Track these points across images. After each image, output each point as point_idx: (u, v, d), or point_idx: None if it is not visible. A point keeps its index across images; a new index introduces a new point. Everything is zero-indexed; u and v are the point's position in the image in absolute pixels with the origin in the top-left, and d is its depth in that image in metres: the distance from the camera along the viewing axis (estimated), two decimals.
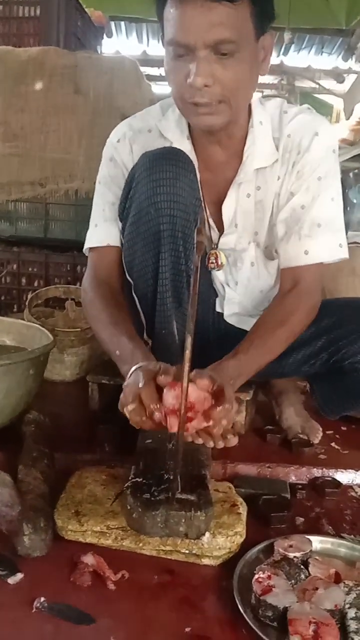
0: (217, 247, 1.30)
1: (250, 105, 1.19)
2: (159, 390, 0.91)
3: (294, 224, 1.19)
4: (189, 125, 1.20)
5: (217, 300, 1.38)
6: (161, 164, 1.13)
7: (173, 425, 0.90)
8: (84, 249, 1.32)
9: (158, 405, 0.89)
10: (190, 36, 1.00)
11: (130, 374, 0.98)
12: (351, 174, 5.82)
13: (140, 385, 0.91)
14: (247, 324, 1.35)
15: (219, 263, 1.30)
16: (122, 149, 1.25)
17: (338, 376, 1.32)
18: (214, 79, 1.03)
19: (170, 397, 0.90)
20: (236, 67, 1.03)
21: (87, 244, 1.30)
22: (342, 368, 1.29)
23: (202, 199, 1.23)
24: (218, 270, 1.32)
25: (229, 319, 1.37)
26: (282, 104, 1.23)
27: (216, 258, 1.30)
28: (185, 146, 1.20)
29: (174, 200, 1.13)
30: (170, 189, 1.13)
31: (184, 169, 1.14)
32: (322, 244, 1.18)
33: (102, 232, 1.27)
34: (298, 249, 1.18)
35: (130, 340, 1.07)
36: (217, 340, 1.38)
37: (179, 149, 1.17)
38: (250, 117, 1.19)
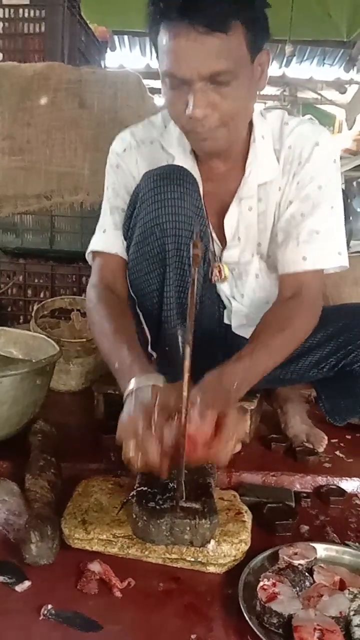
0: (220, 260, 1.31)
1: (251, 119, 1.19)
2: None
3: (292, 230, 1.19)
4: (191, 144, 1.21)
5: (225, 313, 1.39)
6: (165, 184, 1.13)
7: (165, 473, 0.91)
8: (87, 252, 1.31)
9: (155, 447, 0.87)
10: (184, 70, 0.99)
11: (127, 396, 0.96)
12: (354, 183, 5.85)
13: (139, 425, 0.88)
14: None
15: (223, 276, 1.31)
16: (128, 159, 1.26)
17: (346, 380, 1.32)
18: (212, 109, 1.03)
19: (166, 436, 0.89)
20: (233, 94, 1.03)
21: (93, 247, 1.29)
22: (351, 372, 1.30)
23: (205, 213, 1.24)
24: (222, 282, 1.33)
25: (237, 330, 1.37)
26: (283, 116, 1.23)
27: (219, 271, 1.30)
28: (188, 161, 1.22)
29: (179, 220, 1.14)
30: (175, 209, 1.13)
31: (187, 189, 1.15)
32: (320, 251, 1.17)
33: (111, 239, 1.26)
34: (296, 255, 1.18)
35: (129, 352, 1.04)
36: (226, 352, 1.38)
37: (182, 167, 1.18)
38: (251, 131, 1.19)
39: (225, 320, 1.39)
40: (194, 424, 0.88)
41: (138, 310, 1.27)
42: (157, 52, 1.06)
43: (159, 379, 0.98)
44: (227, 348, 1.38)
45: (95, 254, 1.30)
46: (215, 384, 0.97)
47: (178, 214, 1.14)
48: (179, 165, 1.19)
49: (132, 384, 0.97)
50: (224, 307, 1.39)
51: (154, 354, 1.30)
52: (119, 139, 1.30)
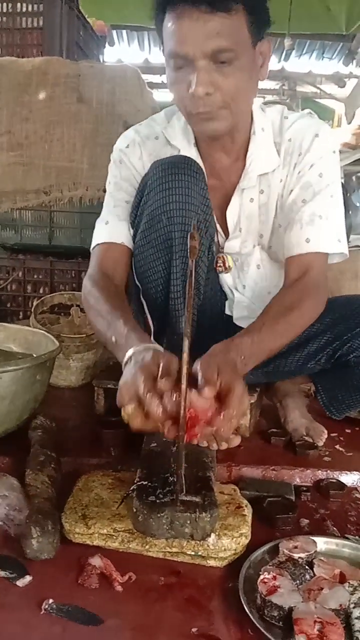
0: (223, 250, 1.32)
1: (252, 112, 1.21)
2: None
3: (294, 215, 1.20)
4: (195, 133, 1.23)
5: (227, 303, 1.40)
6: (173, 172, 1.15)
7: (171, 433, 0.88)
8: (92, 247, 1.29)
9: (160, 410, 0.85)
10: (188, 47, 1.03)
11: (126, 363, 0.94)
12: (354, 178, 5.83)
13: (140, 386, 0.86)
14: None
15: (227, 266, 1.32)
16: (131, 154, 1.27)
17: (343, 372, 1.33)
18: (214, 87, 1.05)
19: (171, 404, 0.87)
20: (235, 74, 1.05)
21: (97, 240, 1.28)
22: (347, 362, 1.30)
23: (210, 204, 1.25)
24: (226, 273, 1.34)
25: (238, 321, 1.38)
26: (282, 110, 1.25)
27: (224, 262, 1.32)
28: (192, 153, 1.23)
29: (187, 208, 1.15)
30: (182, 197, 1.15)
31: (195, 178, 1.16)
32: (322, 234, 1.18)
33: (115, 230, 1.26)
34: (299, 237, 1.19)
35: (125, 324, 1.03)
36: None
37: (190, 158, 1.19)
38: (252, 124, 1.21)
39: (227, 311, 1.40)
40: (196, 397, 0.86)
41: (142, 299, 1.27)
42: (162, 41, 1.08)
43: (157, 347, 0.97)
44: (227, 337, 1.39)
45: (99, 245, 1.29)
46: (222, 354, 0.95)
47: (186, 202, 1.15)
48: (186, 156, 1.20)
49: (131, 352, 0.95)
50: (226, 298, 1.39)
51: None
52: (123, 136, 1.31)
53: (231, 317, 1.39)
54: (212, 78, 1.04)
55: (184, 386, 0.87)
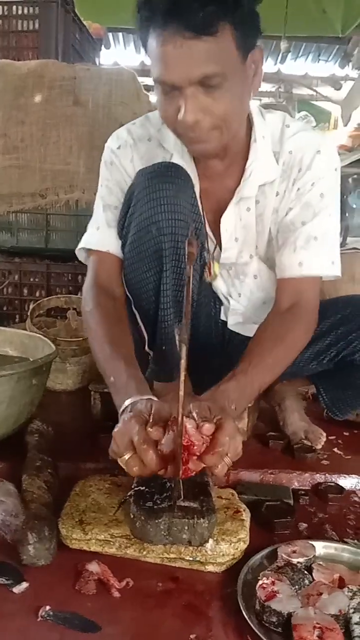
0: (217, 259, 1.29)
1: (250, 117, 1.17)
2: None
3: (290, 235, 1.19)
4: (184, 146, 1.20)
5: (222, 309, 1.39)
6: (160, 182, 1.12)
7: (168, 472, 0.91)
8: (78, 248, 1.29)
9: (154, 460, 0.87)
10: (174, 76, 0.98)
11: (121, 413, 0.97)
12: (350, 180, 5.84)
13: (135, 436, 0.88)
14: (251, 331, 1.35)
15: (212, 273, 1.28)
16: (122, 156, 1.24)
17: (346, 373, 1.32)
18: (204, 113, 1.02)
19: (167, 442, 0.90)
20: (225, 96, 1.01)
21: (86, 244, 1.27)
22: (351, 363, 1.30)
23: (202, 210, 1.23)
24: (212, 281, 1.31)
25: (233, 327, 1.38)
26: (284, 118, 1.22)
27: (209, 268, 1.28)
28: (185, 157, 1.20)
29: (175, 218, 1.13)
30: (170, 207, 1.13)
31: (183, 186, 1.14)
32: (315, 257, 1.17)
33: (105, 237, 1.25)
34: (292, 260, 1.17)
35: (126, 367, 1.04)
36: (222, 348, 1.39)
37: (176, 164, 1.17)
38: (251, 129, 1.18)
39: (222, 317, 1.39)
40: (194, 434, 0.89)
41: (134, 309, 1.26)
42: (149, 56, 1.04)
43: (152, 398, 0.98)
44: (223, 344, 1.39)
45: (89, 252, 1.29)
46: (210, 401, 0.97)
47: (174, 212, 1.13)
48: (173, 163, 1.18)
49: (129, 401, 0.97)
50: (221, 304, 1.38)
51: (151, 353, 1.29)
52: (115, 135, 1.28)
53: (226, 322, 1.38)
54: (201, 104, 1.00)
55: (181, 392, 0.87)
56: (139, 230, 1.16)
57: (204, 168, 1.22)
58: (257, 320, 1.35)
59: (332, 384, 1.40)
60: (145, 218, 1.14)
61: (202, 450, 0.90)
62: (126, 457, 0.90)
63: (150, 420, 0.90)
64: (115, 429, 0.93)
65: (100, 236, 1.26)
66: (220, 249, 1.28)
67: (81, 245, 1.29)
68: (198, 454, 0.90)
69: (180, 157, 1.20)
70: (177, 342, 1.16)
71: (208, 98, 1.00)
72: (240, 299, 1.35)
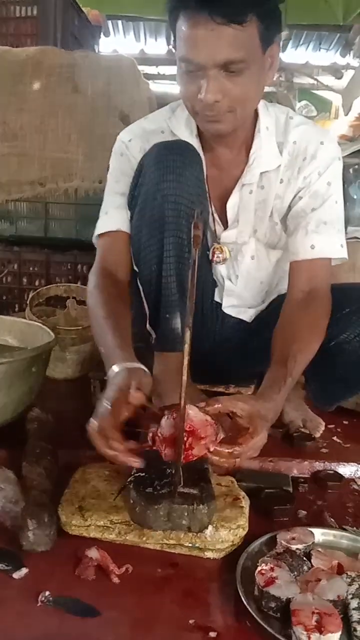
0: (219, 241, 1.32)
1: (256, 109, 1.22)
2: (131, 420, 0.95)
3: (302, 220, 1.24)
4: (198, 125, 1.24)
5: (216, 290, 1.40)
6: (169, 152, 1.17)
7: (168, 455, 0.93)
8: (93, 237, 1.32)
9: (112, 449, 0.92)
10: (201, 56, 1.04)
11: (109, 379, 1.02)
12: (351, 170, 5.80)
13: (107, 446, 0.92)
14: (244, 315, 1.38)
15: (224, 257, 1.33)
16: (133, 147, 1.28)
17: (333, 364, 1.32)
18: (223, 94, 1.08)
19: (167, 425, 0.92)
20: (245, 82, 1.08)
21: (98, 231, 1.31)
22: (329, 351, 1.30)
23: (207, 193, 1.27)
24: (222, 264, 1.34)
25: (227, 309, 1.40)
26: (288, 111, 1.28)
27: (222, 252, 1.33)
28: (194, 143, 1.24)
29: (180, 187, 1.16)
30: (176, 177, 1.16)
31: (190, 160, 1.18)
32: (326, 240, 1.22)
33: (113, 218, 1.28)
34: (305, 243, 1.22)
35: (115, 338, 1.09)
36: (215, 329, 1.41)
37: (188, 142, 1.21)
38: (256, 121, 1.23)
39: (216, 298, 1.40)
40: (195, 412, 0.92)
41: (139, 283, 1.27)
42: (174, 35, 1.10)
43: (134, 366, 1.03)
44: (216, 325, 1.40)
45: (99, 237, 1.31)
46: (257, 407, 1.00)
47: (180, 182, 1.16)
48: (184, 141, 1.22)
49: (110, 370, 1.03)
50: (215, 285, 1.40)
51: (152, 332, 1.29)
52: (128, 129, 1.34)
53: (220, 304, 1.40)
54: (221, 86, 1.07)
55: (184, 377, 0.87)
56: (146, 198, 1.19)
57: (212, 157, 1.27)
58: (252, 304, 1.37)
59: (319, 375, 1.39)
60: (152, 185, 1.17)
61: (207, 434, 0.91)
62: (93, 437, 0.94)
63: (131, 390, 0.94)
64: (91, 421, 0.97)
65: (108, 219, 1.30)
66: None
67: (95, 234, 1.32)
68: (203, 436, 0.91)
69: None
70: (178, 313, 1.20)
71: (228, 82, 1.07)
72: (238, 281, 1.37)
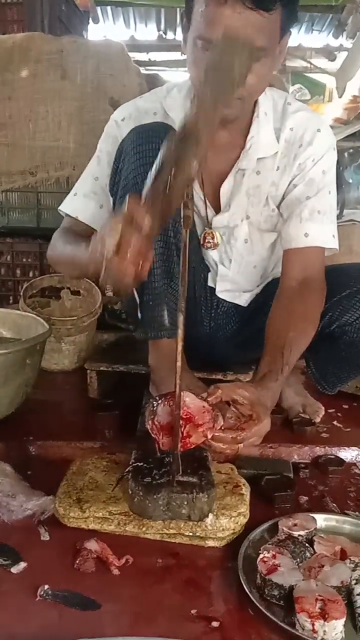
0: (211, 226, 1.30)
1: None
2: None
3: (295, 208, 1.23)
4: None
5: (209, 275, 1.38)
6: (147, 135, 1.14)
7: (166, 444, 0.91)
8: (58, 208, 1.36)
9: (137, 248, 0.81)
10: None
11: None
12: (346, 154, 5.76)
13: (119, 225, 0.82)
14: (238, 299, 1.37)
15: (215, 242, 1.31)
16: (125, 128, 1.25)
17: (331, 345, 1.31)
18: None
19: (163, 412, 0.91)
20: (260, 70, 1.06)
21: (62, 207, 1.34)
22: (332, 334, 1.29)
23: (199, 177, 1.25)
24: (213, 249, 1.32)
25: (221, 294, 1.38)
26: (286, 96, 1.27)
27: (212, 237, 1.31)
28: None
29: None
30: (155, 160, 1.12)
31: None
32: (320, 229, 1.22)
33: (78, 204, 1.32)
34: (299, 231, 1.22)
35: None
36: (210, 314, 1.39)
37: (167, 124, 1.18)
38: (255, 105, 1.21)
39: (209, 283, 1.39)
40: (192, 398, 0.91)
41: None
42: (188, 11, 1.07)
43: None
44: (210, 310, 1.39)
45: (66, 216, 1.35)
46: (256, 395, 1.00)
47: None
48: (163, 122, 1.19)
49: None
50: (208, 270, 1.38)
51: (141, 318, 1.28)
52: (122, 107, 1.32)
53: (214, 288, 1.38)
54: None
55: (178, 364, 0.85)
56: (127, 184, 1.17)
57: (207, 139, 1.22)
58: (246, 288, 1.36)
59: (322, 357, 1.39)
60: (132, 170, 1.15)
61: (205, 421, 0.90)
62: (113, 242, 0.82)
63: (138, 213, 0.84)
64: (105, 228, 0.87)
65: (73, 202, 1.33)
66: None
67: (60, 207, 1.36)
68: (200, 423, 0.89)
69: None
70: (164, 300, 1.18)
71: None
72: (231, 265, 1.35)
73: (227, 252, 1.34)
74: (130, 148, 1.15)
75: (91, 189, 1.31)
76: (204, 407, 0.91)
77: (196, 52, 1.07)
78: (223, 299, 1.38)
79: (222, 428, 0.93)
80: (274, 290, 1.24)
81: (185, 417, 0.89)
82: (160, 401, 0.93)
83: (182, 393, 0.88)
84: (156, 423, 0.91)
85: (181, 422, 0.89)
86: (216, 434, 0.92)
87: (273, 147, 1.23)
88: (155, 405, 0.94)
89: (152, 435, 0.93)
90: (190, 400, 0.90)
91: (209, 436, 0.91)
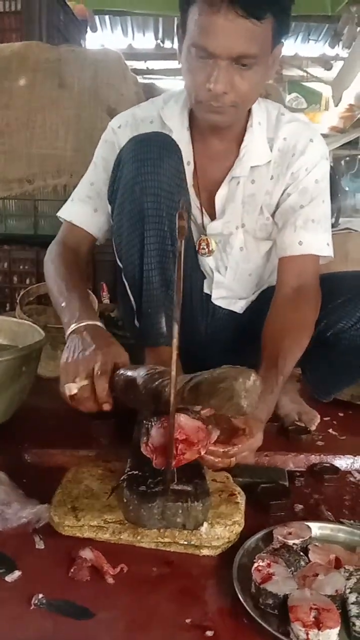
0: (206, 232, 1.32)
1: None
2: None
3: (290, 217, 1.25)
4: (190, 117, 1.25)
5: (205, 282, 1.39)
6: (146, 144, 1.16)
7: (158, 464, 0.91)
8: (57, 214, 1.38)
9: (107, 389, 0.96)
10: (216, 46, 1.05)
11: (72, 332, 1.05)
12: (342, 162, 5.80)
13: (97, 366, 0.95)
14: (234, 306, 1.38)
15: (210, 249, 1.33)
16: (121, 135, 1.28)
17: (330, 354, 1.32)
18: (230, 87, 1.08)
19: (158, 435, 0.91)
20: (252, 78, 1.09)
21: (59, 213, 1.37)
22: (326, 341, 1.29)
23: (196, 185, 1.28)
24: (209, 256, 1.33)
25: (216, 301, 1.40)
26: (280, 107, 1.29)
27: (207, 244, 1.33)
28: (184, 135, 1.25)
29: (158, 179, 1.16)
30: (154, 168, 1.15)
31: (168, 151, 1.17)
32: (313, 238, 1.23)
33: (74, 209, 1.34)
34: (293, 239, 1.23)
35: (77, 295, 1.14)
36: (206, 321, 1.40)
37: (166, 134, 1.21)
38: (249, 115, 1.24)
39: (205, 290, 1.40)
40: (186, 419, 0.92)
41: (124, 279, 1.26)
42: (183, 19, 1.10)
43: (98, 325, 1.08)
44: (207, 317, 1.40)
45: (64, 221, 1.37)
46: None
47: (157, 173, 1.16)
48: (162, 132, 1.22)
49: (74, 326, 1.06)
50: (204, 277, 1.39)
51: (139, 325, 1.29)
52: (119, 115, 1.34)
53: (210, 295, 1.40)
54: (231, 78, 1.07)
55: (173, 373, 0.85)
56: (124, 192, 1.19)
57: (202, 148, 1.27)
58: (242, 295, 1.37)
59: (317, 365, 1.39)
60: (130, 179, 1.17)
61: (200, 439, 0.90)
62: (81, 384, 0.97)
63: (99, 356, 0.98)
64: (68, 357, 1.01)
65: (70, 208, 1.36)
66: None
67: (58, 212, 1.39)
68: (195, 442, 0.90)
69: (179, 133, 1.25)
70: (162, 308, 1.20)
71: (238, 75, 1.08)
72: (227, 272, 1.37)
73: (223, 260, 1.35)
74: (128, 157, 1.17)
75: (87, 194, 1.33)
76: (198, 427, 0.91)
77: (190, 60, 1.09)
78: (219, 306, 1.39)
79: (214, 442, 0.93)
80: (269, 298, 1.24)
81: (180, 438, 0.89)
82: (154, 424, 0.94)
83: (176, 414, 0.88)
84: (150, 445, 0.92)
85: (176, 443, 0.89)
86: (209, 447, 0.93)
87: (266, 156, 1.25)
88: (148, 427, 0.95)
89: (146, 454, 0.93)
90: (184, 421, 0.91)
91: (203, 453, 0.92)
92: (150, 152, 1.15)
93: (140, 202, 1.17)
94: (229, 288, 1.38)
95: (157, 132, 1.21)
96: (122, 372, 0.97)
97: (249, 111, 1.23)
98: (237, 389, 0.82)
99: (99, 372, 0.96)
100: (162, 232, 1.18)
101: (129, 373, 0.96)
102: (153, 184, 1.15)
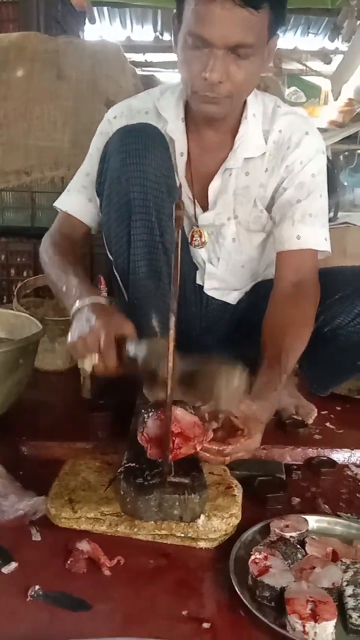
0: (197, 224, 1.32)
1: None
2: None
3: (287, 211, 1.24)
4: (185, 109, 1.24)
5: (198, 273, 1.39)
6: (131, 135, 1.16)
7: (153, 454, 0.92)
8: (54, 203, 1.38)
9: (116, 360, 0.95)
10: (213, 34, 1.03)
11: (76, 311, 1.03)
12: (341, 156, 5.78)
13: (102, 340, 0.94)
14: (227, 297, 1.38)
15: (203, 241, 1.32)
16: (116, 125, 1.26)
17: (327, 349, 1.32)
18: (226, 76, 1.07)
19: (154, 426, 0.91)
20: (248, 68, 1.08)
21: (56, 203, 1.37)
22: (325, 337, 1.29)
23: (188, 176, 1.26)
24: (201, 247, 1.33)
25: (209, 292, 1.40)
26: (276, 100, 1.28)
27: (200, 236, 1.32)
28: (179, 126, 1.25)
29: (144, 170, 1.15)
30: (139, 159, 1.15)
31: (154, 141, 1.17)
32: (311, 232, 1.22)
33: (69, 199, 1.34)
34: (291, 233, 1.22)
35: (76, 277, 1.12)
36: (199, 312, 1.40)
37: (152, 125, 1.20)
38: (244, 107, 1.23)
39: (198, 281, 1.40)
40: (182, 413, 0.92)
41: (115, 272, 1.25)
42: (180, 9, 1.08)
43: (102, 300, 1.05)
44: (200, 308, 1.42)
45: (60, 211, 1.36)
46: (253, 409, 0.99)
47: (143, 164, 1.15)
48: (148, 123, 1.21)
49: (78, 303, 1.04)
50: (196, 268, 1.39)
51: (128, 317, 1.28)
52: (115, 106, 1.34)
53: (202, 286, 1.39)
54: (227, 68, 1.06)
55: (170, 364, 0.85)
56: (111, 183, 1.18)
57: (197, 139, 1.26)
58: (235, 286, 1.36)
59: (314, 360, 1.39)
60: (116, 170, 1.16)
61: (195, 434, 0.91)
62: (95, 358, 0.96)
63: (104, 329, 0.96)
64: (76, 331, 0.98)
65: (66, 198, 1.36)
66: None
67: (55, 203, 1.38)
68: (190, 437, 0.90)
69: (174, 125, 1.25)
70: (148, 299, 1.19)
71: (234, 65, 1.07)
72: (219, 264, 1.36)
73: (216, 251, 1.35)
74: (114, 149, 1.16)
75: (82, 184, 1.33)
76: (195, 422, 0.91)
77: (186, 50, 1.09)
78: (212, 297, 1.39)
79: (210, 439, 0.94)
80: (263, 290, 1.24)
81: (175, 432, 0.89)
82: (150, 414, 0.94)
83: (173, 407, 0.88)
84: (145, 435, 0.92)
85: (172, 436, 0.89)
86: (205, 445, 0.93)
87: (261, 148, 1.24)
88: (145, 417, 0.95)
89: (141, 444, 0.93)
90: (181, 415, 0.91)
91: (199, 448, 0.92)
92: (136, 142, 1.14)
93: (127, 193, 1.16)
94: (221, 279, 1.37)
95: (144, 123, 1.20)
96: (128, 347, 0.97)
97: (244, 103, 1.22)
98: (219, 387, 0.85)
99: (104, 346, 0.95)
100: (149, 223, 1.17)
101: (131, 354, 0.96)
102: (139, 174, 1.14)
